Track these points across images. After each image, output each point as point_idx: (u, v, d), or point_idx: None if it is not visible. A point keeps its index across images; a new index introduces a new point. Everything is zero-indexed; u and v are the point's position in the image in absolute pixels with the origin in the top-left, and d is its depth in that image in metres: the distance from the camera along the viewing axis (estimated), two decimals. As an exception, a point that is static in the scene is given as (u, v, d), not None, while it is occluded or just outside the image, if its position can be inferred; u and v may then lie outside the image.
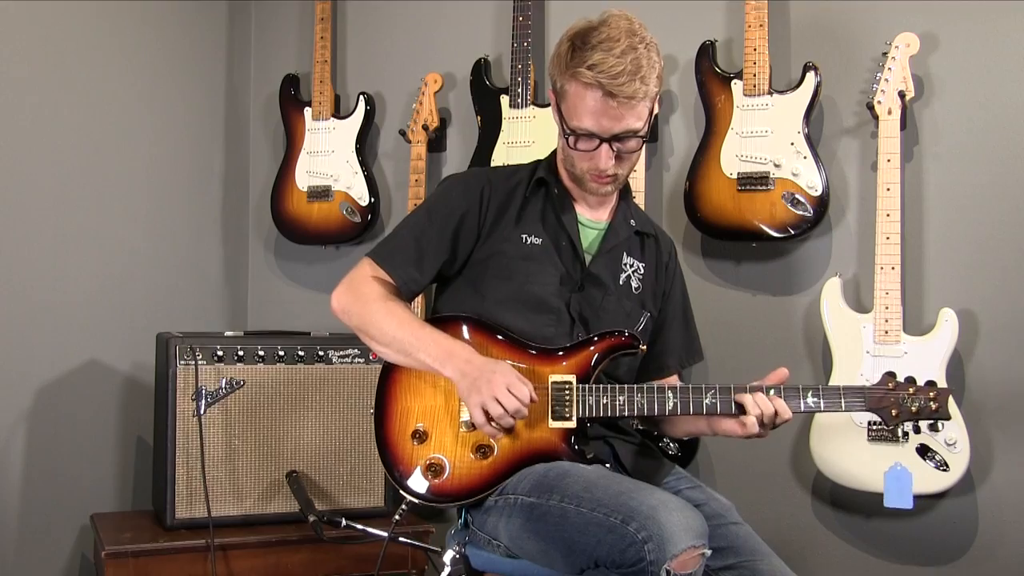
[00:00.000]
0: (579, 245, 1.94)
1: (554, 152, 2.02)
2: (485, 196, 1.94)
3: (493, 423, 1.76)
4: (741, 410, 1.79)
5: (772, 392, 1.79)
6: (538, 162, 2.03)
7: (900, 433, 2.33)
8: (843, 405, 1.80)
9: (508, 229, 1.93)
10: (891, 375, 1.80)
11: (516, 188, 1.97)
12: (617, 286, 1.96)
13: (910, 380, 1.79)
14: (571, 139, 1.86)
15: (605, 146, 1.83)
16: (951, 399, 1.80)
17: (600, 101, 1.78)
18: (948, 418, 1.81)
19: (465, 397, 1.79)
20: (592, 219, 1.99)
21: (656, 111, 2.67)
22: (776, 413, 1.77)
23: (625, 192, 2.04)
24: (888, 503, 2.32)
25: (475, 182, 1.97)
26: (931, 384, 1.80)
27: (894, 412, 1.79)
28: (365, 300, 1.88)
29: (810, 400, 1.79)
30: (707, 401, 1.80)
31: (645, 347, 1.89)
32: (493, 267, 1.92)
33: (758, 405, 1.77)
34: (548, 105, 1.91)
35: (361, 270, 1.93)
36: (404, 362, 1.87)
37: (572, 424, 1.81)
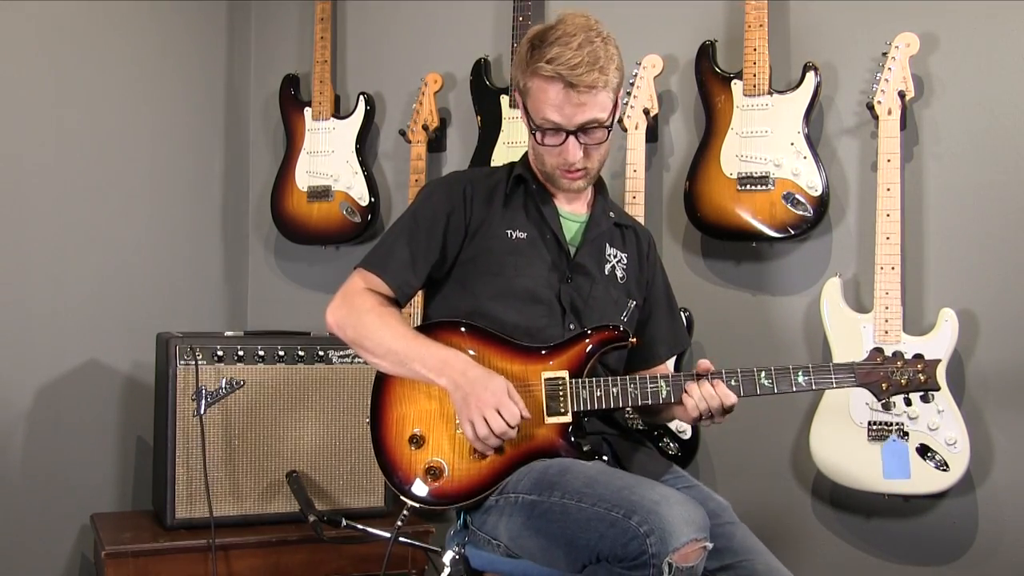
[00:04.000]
0: (562, 237, 1.97)
1: (527, 152, 2.05)
2: (468, 195, 1.96)
3: (479, 442, 1.78)
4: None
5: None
6: (513, 163, 2.06)
7: (900, 432, 2.33)
8: (833, 382, 1.82)
9: (493, 226, 1.95)
10: (879, 350, 1.82)
11: (496, 186, 2.00)
12: (603, 275, 1.99)
13: (898, 354, 1.82)
14: (538, 135, 1.89)
15: (572, 139, 1.86)
16: (941, 374, 1.82)
17: (562, 92, 1.82)
18: (938, 388, 1.83)
19: (457, 411, 1.81)
20: (572, 212, 2.02)
21: (656, 112, 2.69)
22: (721, 404, 1.80)
23: (600, 186, 2.07)
24: (887, 476, 2.33)
25: (456, 183, 2.00)
26: (918, 357, 1.81)
27: (884, 386, 1.80)
28: (359, 313, 1.89)
29: (800, 379, 1.80)
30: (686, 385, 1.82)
31: (636, 340, 1.91)
32: (481, 264, 1.93)
33: (704, 399, 1.80)
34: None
35: (353, 283, 1.94)
36: (400, 373, 1.88)
37: (567, 419, 1.82)
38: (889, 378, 1.80)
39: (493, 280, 1.92)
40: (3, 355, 2.67)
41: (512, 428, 1.76)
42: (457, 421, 1.83)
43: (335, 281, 2.00)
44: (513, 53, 2.81)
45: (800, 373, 1.80)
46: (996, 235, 2.44)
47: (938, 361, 1.83)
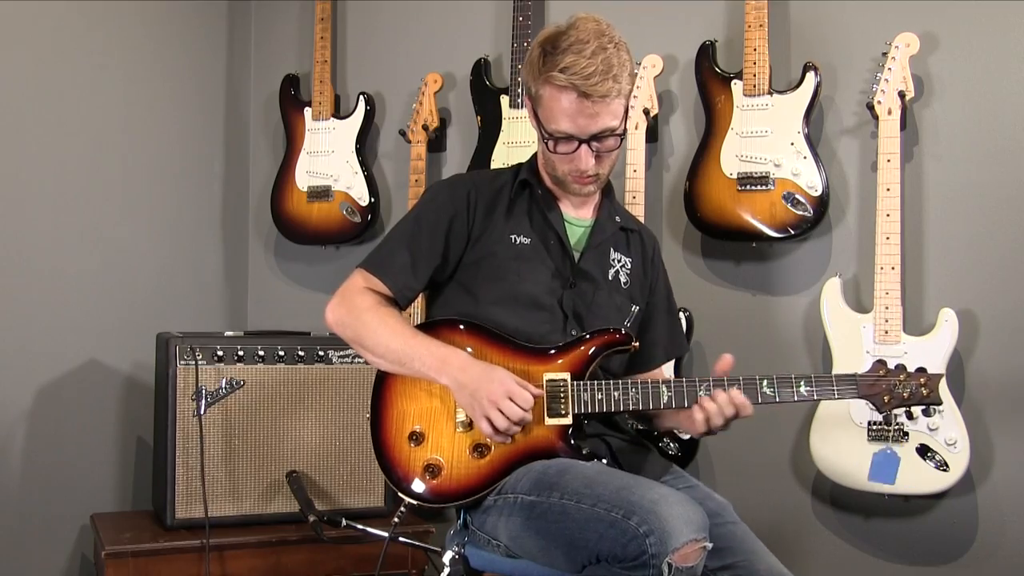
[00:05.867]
0: (567, 242, 1.96)
1: (535, 155, 2.04)
2: (472, 199, 1.95)
3: (500, 434, 1.78)
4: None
5: (735, 388, 1.80)
6: (519, 165, 2.05)
7: (899, 433, 2.34)
8: (836, 393, 1.81)
9: (497, 230, 1.94)
10: (882, 363, 1.84)
11: (501, 190, 1.98)
12: (607, 281, 1.98)
13: (900, 367, 1.83)
14: (550, 143, 1.87)
15: (584, 147, 1.85)
16: (943, 384, 1.82)
17: (575, 102, 1.80)
18: (939, 403, 1.83)
19: (467, 409, 1.80)
20: (577, 217, 2.01)
21: (656, 112, 2.69)
22: (737, 413, 1.80)
23: (607, 189, 2.05)
24: (871, 478, 2.34)
25: (461, 186, 1.98)
26: (921, 371, 1.82)
27: (886, 398, 1.81)
28: (358, 311, 1.88)
29: (803, 389, 1.80)
30: (701, 394, 1.81)
31: (638, 344, 1.90)
32: (485, 268, 1.93)
33: (721, 410, 1.79)
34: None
35: (354, 282, 1.94)
36: (399, 371, 1.87)
37: (568, 421, 1.81)
38: (891, 391, 1.80)
39: (496, 285, 1.92)
40: (3, 355, 2.67)
41: (528, 413, 1.76)
42: (459, 420, 1.83)
43: (335, 281, 2.00)
44: (513, 53, 2.81)
45: (802, 383, 1.80)
46: (996, 235, 2.44)
47: (941, 376, 1.83)
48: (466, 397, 1.79)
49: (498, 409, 1.75)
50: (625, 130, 1.89)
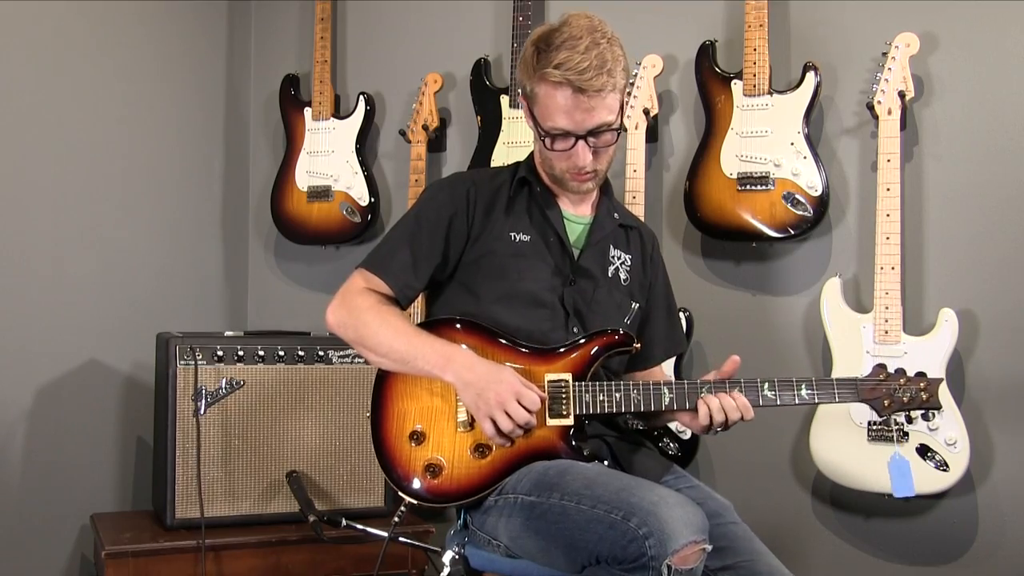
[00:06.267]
0: (567, 240, 1.96)
1: (532, 154, 2.04)
2: (471, 197, 1.95)
3: (504, 435, 1.78)
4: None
5: (736, 390, 1.82)
6: (517, 163, 2.05)
7: (900, 433, 2.34)
8: (836, 397, 1.83)
9: (497, 228, 1.94)
10: (882, 367, 1.85)
11: (500, 188, 1.99)
12: (606, 278, 1.98)
13: (900, 371, 1.84)
14: (547, 141, 1.87)
15: (582, 143, 1.85)
16: (943, 387, 1.84)
17: (571, 98, 1.81)
18: (939, 407, 1.84)
19: (472, 409, 1.80)
20: (576, 214, 2.01)
21: (656, 112, 2.69)
22: (741, 416, 1.81)
23: (606, 187, 2.06)
24: (897, 493, 2.32)
25: (460, 185, 1.98)
26: (921, 375, 1.84)
27: (886, 402, 1.82)
28: (359, 312, 1.88)
29: (804, 393, 1.82)
30: (703, 394, 1.82)
31: (639, 345, 1.90)
32: (485, 267, 1.93)
33: (724, 410, 1.80)
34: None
35: (354, 282, 1.93)
36: (403, 371, 1.87)
37: (569, 421, 1.81)
38: (892, 395, 1.82)
39: (497, 283, 1.92)
40: (3, 355, 2.67)
41: (533, 417, 1.76)
42: (460, 419, 1.83)
43: (335, 281, 2.00)
44: (513, 53, 2.81)
45: (803, 386, 1.82)
46: (996, 235, 2.44)
47: (940, 380, 1.84)
48: (471, 396, 1.78)
49: (504, 411, 1.75)
50: (621, 125, 1.89)
